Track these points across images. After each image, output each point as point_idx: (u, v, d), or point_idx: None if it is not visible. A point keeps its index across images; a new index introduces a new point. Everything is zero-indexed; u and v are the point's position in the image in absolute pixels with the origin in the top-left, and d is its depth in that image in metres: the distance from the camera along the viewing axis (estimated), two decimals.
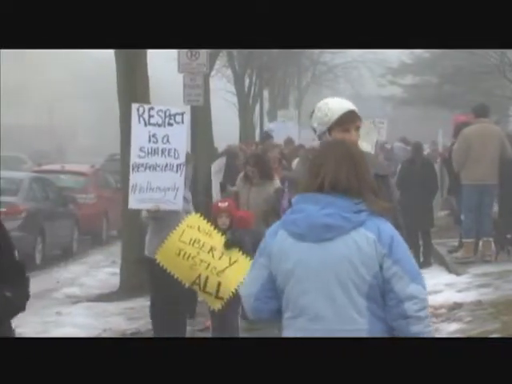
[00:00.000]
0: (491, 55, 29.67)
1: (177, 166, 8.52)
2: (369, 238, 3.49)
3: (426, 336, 3.50)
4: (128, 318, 10.61)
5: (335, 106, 4.39)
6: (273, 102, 44.62)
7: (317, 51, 44.67)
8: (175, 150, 8.52)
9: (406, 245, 3.60)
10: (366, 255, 3.48)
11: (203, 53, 16.23)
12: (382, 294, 3.50)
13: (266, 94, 41.80)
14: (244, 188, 9.90)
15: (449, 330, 8.63)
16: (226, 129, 38.54)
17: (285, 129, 21.73)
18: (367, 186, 3.58)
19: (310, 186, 3.60)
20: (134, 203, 8.54)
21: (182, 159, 8.59)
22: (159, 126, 8.48)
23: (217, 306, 7.57)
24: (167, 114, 8.51)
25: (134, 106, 8.63)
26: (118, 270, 12.96)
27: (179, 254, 7.56)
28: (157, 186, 8.42)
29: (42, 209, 16.04)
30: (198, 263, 7.51)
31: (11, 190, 15.70)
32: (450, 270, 12.15)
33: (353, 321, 3.48)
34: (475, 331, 8.35)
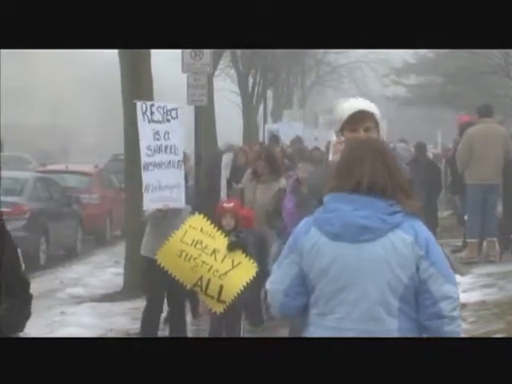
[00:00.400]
0: (495, 55, 29.64)
1: (177, 162, 8.49)
2: (406, 239, 3.51)
3: (456, 335, 3.57)
4: (132, 318, 10.60)
5: (347, 105, 4.39)
6: (277, 102, 44.61)
7: (321, 51, 44.65)
8: (175, 146, 8.47)
9: (437, 243, 3.63)
10: (403, 257, 3.50)
11: (207, 53, 16.23)
12: (415, 295, 3.54)
13: (269, 94, 41.78)
14: (250, 185, 9.85)
15: None
16: (229, 129, 38.55)
17: (290, 129, 21.68)
18: (400, 186, 3.59)
19: (343, 185, 3.58)
20: (148, 203, 8.40)
21: (181, 155, 8.56)
22: (160, 122, 8.43)
23: (219, 309, 7.40)
24: (165, 110, 8.46)
25: (138, 103, 8.53)
26: (121, 270, 12.97)
27: (180, 256, 7.42)
28: (165, 184, 8.37)
29: (46, 209, 16.05)
30: (199, 265, 7.36)
31: (15, 190, 15.72)
32: (453, 270, 12.11)
33: (383, 322, 3.51)
34: (479, 331, 8.36)
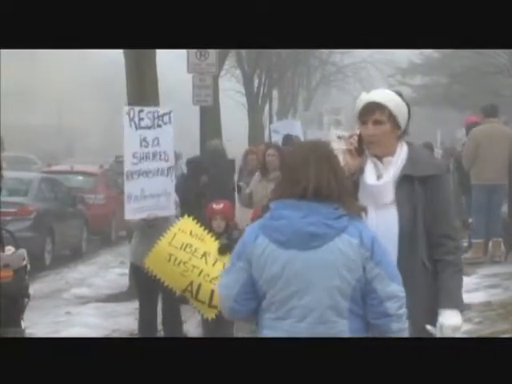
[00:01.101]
0: (500, 55, 29.59)
1: (167, 169, 8.13)
2: (352, 242, 3.57)
3: (403, 333, 3.63)
4: (137, 319, 10.61)
5: (362, 97, 4.29)
6: (282, 103, 44.61)
7: (326, 51, 44.62)
8: (165, 152, 8.10)
9: (385, 246, 3.71)
10: (351, 260, 3.57)
11: (212, 53, 16.25)
12: (362, 295, 3.61)
13: (275, 94, 41.78)
14: (259, 186, 9.57)
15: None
16: (235, 129, 38.56)
17: (289, 127, 21.59)
18: (345, 189, 3.65)
19: (289, 191, 3.62)
20: (130, 213, 8.02)
21: (172, 162, 8.21)
22: (149, 128, 8.02)
23: (210, 315, 7.07)
24: (156, 115, 8.08)
25: (125, 109, 8.12)
26: (126, 271, 12.97)
27: (169, 260, 7.06)
28: (150, 192, 8.00)
29: (51, 209, 16.07)
30: (189, 269, 7.01)
31: (21, 191, 15.74)
32: None
33: (334, 324, 3.58)
34: (485, 332, 8.34)
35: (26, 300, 8.24)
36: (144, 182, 7.96)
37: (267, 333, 3.65)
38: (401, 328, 3.62)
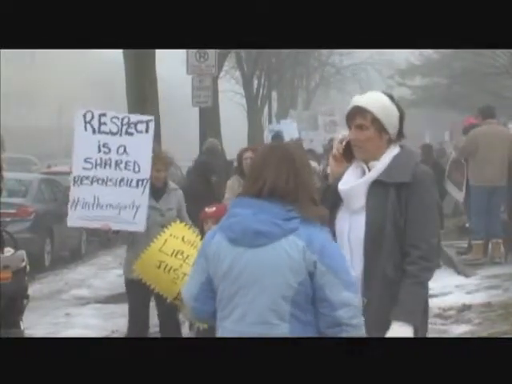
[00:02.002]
0: (500, 56, 29.60)
1: (137, 181, 7.34)
2: (298, 245, 3.50)
3: None
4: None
5: (352, 100, 4.22)
6: (281, 104, 44.64)
7: (325, 53, 44.67)
8: (135, 162, 7.35)
9: (341, 252, 3.63)
10: (295, 262, 3.50)
11: (212, 54, 16.25)
12: (312, 301, 3.52)
13: (274, 95, 41.81)
14: (237, 190, 9.37)
15: (458, 331, 8.62)
16: (234, 130, 38.57)
17: (286, 128, 21.54)
18: (305, 192, 3.59)
19: (249, 190, 3.63)
20: (74, 220, 7.45)
21: (145, 174, 7.37)
22: (113, 134, 7.37)
23: (203, 324, 6.60)
24: (125, 121, 7.40)
25: (80, 111, 7.53)
26: None
27: (159, 267, 6.71)
28: (108, 202, 7.33)
29: (50, 210, 16.06)
30: (180, 277, 6.63)
31: (20, 192, 15.74)
32: (458, 272, 12.13)
33: (274, 326, 3.52)
34: (484, 333, 8.34)
35: (25, 301, 8.24)
36: (100, 189, 7.34)
37: (218, 333, 3.67)
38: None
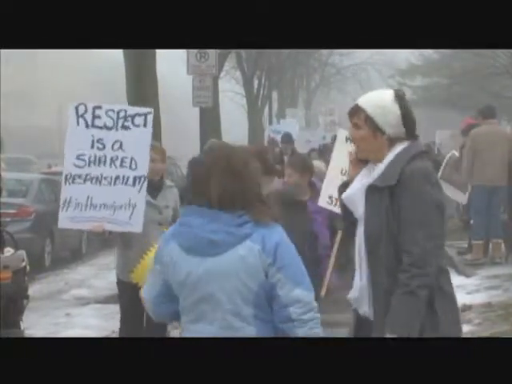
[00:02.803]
0: (500, 56, 29.60)
1: (134, 178, 6.77)
2: (253, 249, 3.57)
3: (312, 337, 3.60)
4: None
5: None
6: (282, 104, 44.65)
7: (325, 53, 44.68)
8: (132, 159, 6.77)
9: (294, 250, 3.66)
10: (252, 266, 3.57)
11: (212, 54, 16.26)
12: (268, 300, 3.61)
13: (274, 95, 41.82)
14: None
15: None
16: (234, 130, 38.58)
17: (286, 127, 21.53)
18: (251, 197, 3.63)
19: (197, 198, 3.66)
20: (65, 222, 6.87)
21: (142, 171, 6.78)
22: (108, 129, 6.77)
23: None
24: (121, 115, 6.79)
25: (73, 104, 6.88)
26: None
27: None
28: (102, 202, 6.78)
29: (50, 210, 16.00)
30: None
31: (20, 192, 15.74)
32: (459, 272, 12.13)
33: (241, 330, 3.60)
34: (485, 333, 8.33)
35: (25, 301, 8.24)
36: (93, 188, 6.78)
37: (186, 335, 3.71)
38: (307, 333, 3.58)
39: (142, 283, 6.12)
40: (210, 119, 19.74)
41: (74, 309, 11.53)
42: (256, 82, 36.77)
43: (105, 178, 6.76)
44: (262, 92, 37.38)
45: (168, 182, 7.22)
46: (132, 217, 6.73)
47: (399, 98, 3.98)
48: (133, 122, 6.75)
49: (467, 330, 8.63)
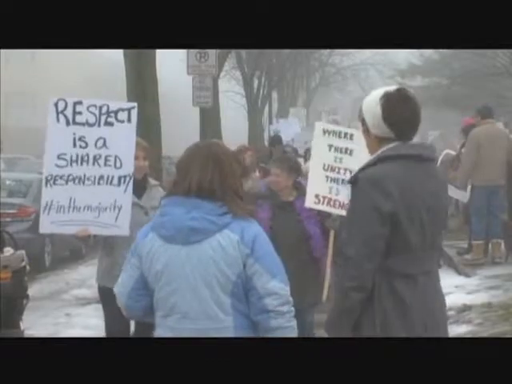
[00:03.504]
0: (500, 56, 29.61)
1: (119, 178, 6.33)
2: (232, 238, 3.64)
3: (286, 331, 3.63)
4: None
5: None
6: (282, 104, 44.66)
7: (325, 53, 44.69)
8: (116, 157, 6.34)
9: (271, 244, 3.73)
10: (231, 256, 3.63)
11: (212, 55, 16.26)
12: (246, 292, 3.66)
13: (274, 95, 41.84)
14: None
15: (458, 331, 8.61)
16: (235, 130, 38.58)
17: (289, 126, 21.50)
18: (230, 189, 3.70)
19: (178, 188, 3.71)
20: (46, 226, 6.41)
21: (128, 169, 6.34)
22: (90, 125, 6.35)
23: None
24: (104, 110, 6.37)
25: (52, 99, 6.48)
26: None
27: None
28: (86, 204, 6.33)
29: None
30: None
31: (20, 192, 15.73)
32: (459, 272, 12.12)
33: (218, 319, 3.64)
34: (485, 333, 8.33)
35: (25, 301, 8.25)
36: (76, 190, 6.33)
37: (159, 331, 3.74)
38: (281, 325, 3.62)
39: None
40: (210, 119, 19.74)
41: (74, 309, 11.53)
42: (256, 82, 36.78)
43: (88, 179, 6.35)
44: (261, 92, 37.39)
45: (152, 181, 6.73)
46: (118, 219, 6.32)
47: (385, 98, 3.95)
48: (116, 118, 6.35)
49: (467, 330, 8.63)
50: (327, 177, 7.04)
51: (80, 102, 6.41)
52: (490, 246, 12.43)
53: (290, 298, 3.68)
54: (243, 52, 32.86)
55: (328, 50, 43.59)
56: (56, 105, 6.37)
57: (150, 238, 3.73)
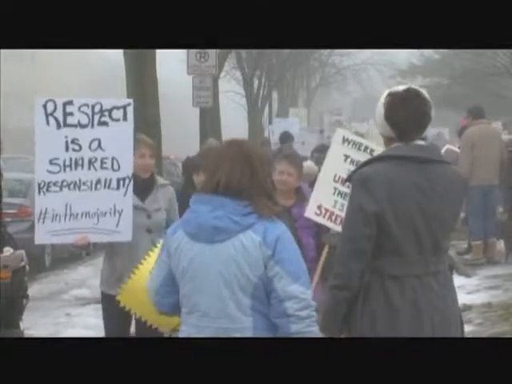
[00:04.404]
0: (501, 56, 29.61)
1: (117, 180, 5.94)
2: (254, 240, 3.61)
3: (305, 336, 3.58)
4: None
5: None
6: (282, 104, 44.66)
7: (325, 53, 44.69)
8: (113, 159, 5.92)
9: (295, 246, 3.68)
10: (252, 257, 3.60)
11: (212, 55, 16.26)
12: (267, 294, 3.62)
13: (274, 95, 41.83)
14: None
15: None
16: (235, 131, 38.56)
17: (286, 125, 21.47)
18: (260, 189, 3.67)
19: (207, 186, 3.71)
20: (43, 236, 5.98)
21: (127, 171, 5.95)
22: (83, 126, 5.90)
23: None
24: (97, 109, 5.93)
25: (39, 101, 5.94)
26: None
27: None
28: (83, 210, 5.93)
29: None
30: None
31: (20, 192, 15.72)
32: (459, 272, 12.13)
33: (237, 319, 3.62)
34: (485, 333, 8.34)
35: (25, 301, 8.25)
36: (71, 196, 5.91)
37: (183, 329, 3.75)
38: (300, 330, 3.57)
39: (130, 306, 5.60)
40: (210, 119, 19.74)
41: (74, 309, 11.53)
42: (256, 82, 36.77)
43: (84, 183, 5.92)
44: (261, 92, 37.37)
45: (161, 180, 6.39)
46: (119, 224, 5.95)
47: (389, 97, 3.97)
48: (111, 117, 5.93)
49: (467, 330, 8.62)
50: (335, 189, 6.29)
51: (70, 102, 5.95)
52: (489, 245, 12.43)
53: (312, 303, 3.62)
54: (243, 52, 32.85)
55: (328, 50, 43.57)
56: (45, 106, 5.88)
57: (178, 234, 3.73)
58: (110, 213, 5.95)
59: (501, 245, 12.40)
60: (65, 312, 11.25)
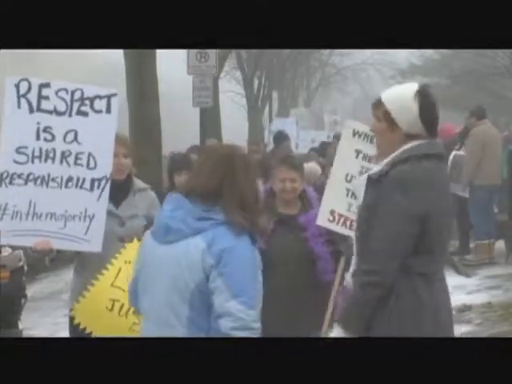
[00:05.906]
0: (501, 56, 29.62)
1: (92, 181, 5.16)
2: (198, 245, 3.44)
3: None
4: None
5: None
6: (282, 104, 44.65)
7: (325, 53, 44.68)
8: (90, 155, 5.15)
9: (249, 265, 3.43)
10: (192, 262, 3.44)
11: (212, 55, 16.25)
12: (207, 307, 3.45)
13: (275, 95, 41.83)
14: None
15: (459, 332, 8.61)
16: (235, 131, 38.55)
17: (283, 124, 21.45)
18: (237, 198, 3.50)
19: (183, 187, 3.63)
20: (1, 236, 5.22)
21: (104, 171, 5.17)
22: (59, 114, 5.13)
23: None
24: (77, 96, 5.14)
25: (11, 80, 5.16)
26: None
27: (112, 308, 4.81)
28: (48, 210, 5.16)
29: None
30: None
31: None
32: (459, 272, 12.12)
33: (173, 327, 3.50)
34: (485, 333, 8.34)
35: (23, 301, 8.25)
36: (37, 192, 5.15)
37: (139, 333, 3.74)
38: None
39: (85, 324, 4.90)
40: (210, 119, 19.72)
41: None
42: (256, 82, 36.76)
43: (53, 180, 5.16)
44: (262, 92, 37.37)
45: (140, 183, 5.56)
46: (89, 231, 5.19)
47: (421, 94, 3.94)
48: (92, 107, 5.16)
49: (467, 330, 8.63)
50: (348, 190, 5.60)
51: (47, 85, 5.15)
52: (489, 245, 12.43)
53: (254, 325, 3.37)
54: (243, 52, 32.86)
55: (328, 50, 43.56)
56: (17, 86, 5.12)
57: (147, 233, 3.72)
58: (80, 217, 5.19)
59: (494, 244, 12.40)
60: (65, 312, 11.24)
